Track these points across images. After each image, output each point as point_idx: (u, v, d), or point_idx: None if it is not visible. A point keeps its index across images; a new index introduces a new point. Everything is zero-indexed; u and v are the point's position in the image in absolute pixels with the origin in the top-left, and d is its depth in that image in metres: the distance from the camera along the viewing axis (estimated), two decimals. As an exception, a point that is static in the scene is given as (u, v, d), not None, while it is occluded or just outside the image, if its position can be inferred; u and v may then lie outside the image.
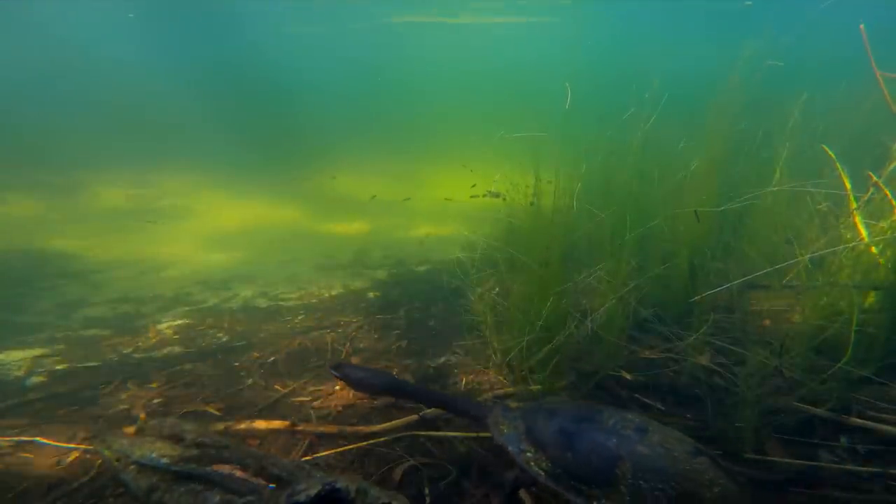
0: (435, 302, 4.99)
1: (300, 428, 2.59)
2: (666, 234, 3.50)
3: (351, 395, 3.00)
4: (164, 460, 1.82)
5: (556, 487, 1.72)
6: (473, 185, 3.57)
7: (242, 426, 2.64)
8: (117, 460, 1.91)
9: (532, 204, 3.20)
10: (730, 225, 3.94)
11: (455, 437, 2.43)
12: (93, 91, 26.23)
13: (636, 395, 2.75)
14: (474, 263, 3.26)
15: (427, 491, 2.04)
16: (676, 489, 1.56)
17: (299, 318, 4.97)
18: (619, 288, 2.89)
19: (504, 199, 3.31)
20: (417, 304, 4.99)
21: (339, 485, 1.53)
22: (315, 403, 2.96)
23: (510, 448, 1.88)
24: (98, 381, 3.54)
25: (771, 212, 3.65)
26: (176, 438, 2.01)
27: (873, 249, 2.78)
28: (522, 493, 1.94)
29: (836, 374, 2.39)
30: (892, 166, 2.88)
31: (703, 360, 2.91)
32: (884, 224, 2.76)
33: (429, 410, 2.59)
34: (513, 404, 2.14)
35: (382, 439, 2.45)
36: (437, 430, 2.51)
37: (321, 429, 2.58)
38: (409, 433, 2.49)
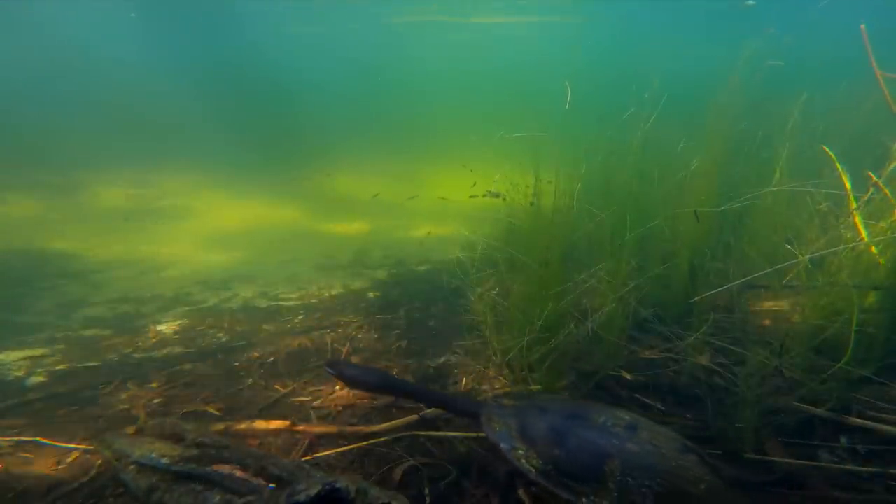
0: (435, 302, 4.99)
1: (300, 428, 2.59)
2: (666, 234, 3.50)
3: (351, 395, 3.00)
4: (164, 460, 1.82)
5: (546, 484, 1.74)
6: (474, 184, 3.57)
7: (242, 426, 2.64)
8: (117, 460, 1.91)
9: (532, 204, 3.19)
10: (730, 225, 3.93)
11: (455, 437, 2.43)
12: (93, 91, 26.23)
13: (636, 395, 2.75)
14: (474, 263, 3.26)
15: (427, 491, 2.04)
16: (663, 486, 1.59)
17: (299, 318, 4.97)
18: (619, 288, 2.89)
19: (504, 199, 3.31)
20: (417, 304, 4.99)
21: (339, 485, 1.53)
22: (315, 403, 2.96)
23: (502, 445, 1.90)
24: (98, 381, 3.54)
25: (771, 212, 3.65)
26: (176, 438, 2.01)
27: (873, 249, 2.78)
28: (522, 493, 1.94)
29: (836, 374, 2.39)
30: (892, 166, 2.88)
31: (703, 360, 2.91)
32: (884, 224, 2.76)
33: (429, 410, 2.59)
34: (506, 402, 2.15)
35: (382, 439, 2.45)
36: (437, 430, 2.51)
37: (321, 429, 2.59)
38: (409, 433, 2.49)
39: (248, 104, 28.35)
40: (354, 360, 3.63)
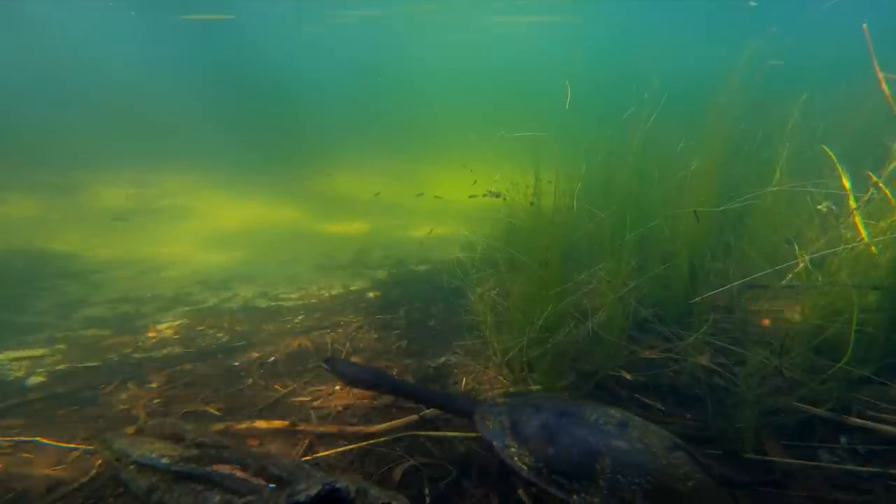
0: (435, 302, 4.99)
1: (300, 428, 2.59)
2: (666, 234, 3.50)
3: (351, 395, 3.00)
4: (164, 460, 1.82)
5: (538, 482, 1.76)
6: (474, 183, 3.57)
7: (242, 426, 2.64)
8: (117, 460, 1.91)
9: (532, 204, 3.20)
10: (730, 225, 3.93)
11: (455, 437, 2.43)
12: (93, 91, 26.22)
13: (636, 395, 2.75)
14: (474, 263, 3.26)
15: (427, 491, 2.04)
16: (652, 483, 1.61)
17: (299, 318, 4.97)
18: (619, 288, 2.89)
19: (504, 199, 3.31)
20: (417, 304, 4.99)
21: (339, 485, 1.53)
22: (315, 403, 2.96)
23: (495, 443, 1.93)
24: (98, 381, 3.54)
25: (771, 212, 3.65)
26: (176, 438, 2.01)
27: (873, 249, 2.78)
28: (522, 493, 1.94)
29: (836, 374, 2.39)
30: (892, 166, 2.88)
31: (703, 360, 2.91)
32: (884, 224, 2.76)
33: (428, 410, 2.59)
34: (500, 400, 2.16)
35: (382, 439, 2.45)
36: (437, 430, 2.51)
37: (321, 429, 2.59)
38: (409, 433, 2.49)
39: (248, 104, 28.36)
40: (354, 359, 3.63)
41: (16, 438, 2.66)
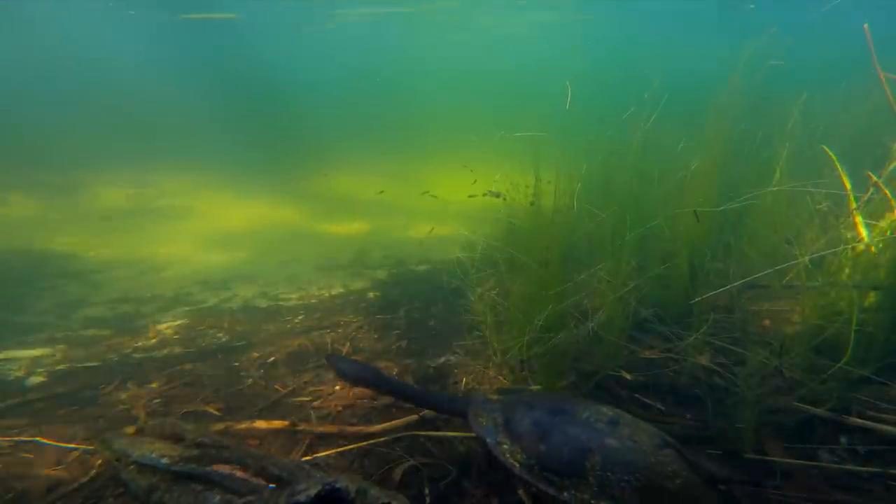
0: (435, 302, 4.99)
1: (300, 428, 2.59)
2: (666, 234, 3.50)
3: (351, 394, 3.00)
4: (164, 460, 1.82)
5: (529, 478, 1.79)
6: (474, 182, 3.57)
7: (242, 426, 2.64)
8: (117, 460, 1.91)
9: (532, 204, 3.19)
10: (730, 225, 3.93)
11: (455, 437, 2.43)
12: (93, 91, 26.24)
13: (636, 395, 2.75)
14: (474, 263, 3.26)
15: (427, 491, 2.04)
16: (640, 481, 1.65)
17: (299, 318, 4.97)
18: (619, 288, 2.89)
19: (504, 199, 3.31)
20: (417, 304, 4.99)
21: (339, 485, 1.53)
22: (315, 403, 2.96)
23: (487, 440, 1.96)
24: (98, 381, 3.54)
25: (771, 212, 3.65)
26: (176, 438, 2.01)
27: (873, 249, 2.78)
28: (522, 493, 1.94)
29: (836, 374, 2.39)
30: (892, 166, 2.88)
31: (703, 360, 2.91)
32: (884, 224, 2.76)
33: (428, 410, 2.59)
34: (494, 397, 2.17)
35: (382, 439, 2.45)
36: (437, 430, 2.52)
37: (321, 429, 2.59)
38: (409, 433, 2.49)
39: (248, 104, 28.37)
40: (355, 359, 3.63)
41: (16, 438, 2.66)
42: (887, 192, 2.78)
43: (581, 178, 3.15)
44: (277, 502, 1.53)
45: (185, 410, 2.94)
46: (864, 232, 2.84)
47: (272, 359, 3.75)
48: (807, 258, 2.66)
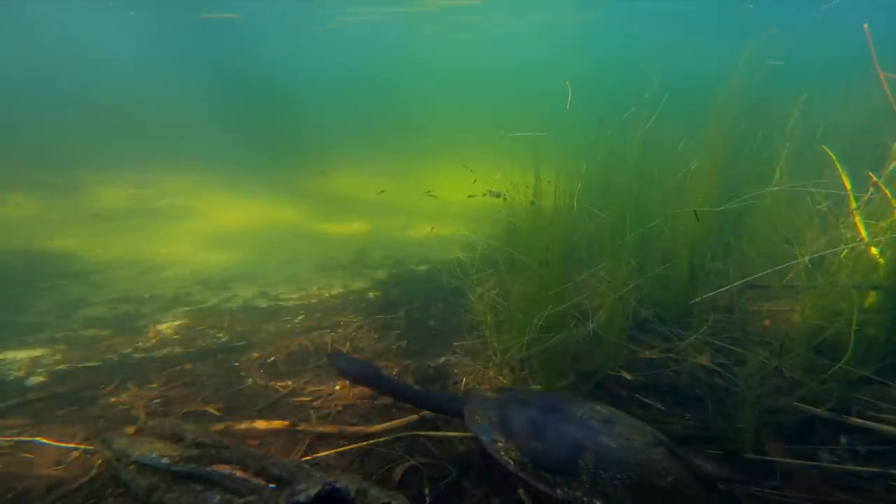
0: (435, 302, 4.99)
1: (300, 428, 2.59)
2: (666, 234, 3.50)
3: (351, 394, 3.00)
4: (164, 460, 1.82)
5: (523, 476, 1.80)
6: (474, 181, 3.57)
7: (242, 426, 2.64)
8: (117, 460, 1.91)
9: (532, 204, 3.19)
10: (730, 225, 3.93)
11: (455, 437, 2.43)
12: (93, 91, 26.24)
13: (636, 395, 2.75)
14: (474, 263, 3.26)
15: (427, 491, 2.04)
16: (632, 478, 1.67)
17: (299, 318, 4.97)
18: (619, 288, 2.89)
19: (504, 199, 3.31)
20: (417, 304, 4.99)
21: (339, 485, 1.53)
22: (315, 403, 2.96)
23: (482, 438, 1.97)
24: (98, 381, 3.54)
25: (771, 212, 3.65)
26: (176, 438, 2.01)
27: (873, 249, 2.78)
28: (522, 493, 1.94)
29: (836, 374, 2.39)
30: (892, 166, 2.88)
31: (703, 360, 2.91)
32: (884, 224, 2.76)
33: (428, 411, 2.59)
34: (490, 395, 2.17)
35: (382, 439, 2.45)
36: (437, 430, 2.52)
37: (321, 429, 2.59)
38: (409, 433, 2.49)
39: (248, 104, 28.37)
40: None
41: (16, 438, 2.66)
42: (887, 192, 2.77)
43: (581, 178, 3.16)
44: (277, 502, 1.53)
45: (185, 410, 2.94)
46: (864, 232, 2.84)
47: (272, 359, 3.75)
48: (807, 258, 2.66)
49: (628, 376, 2.85)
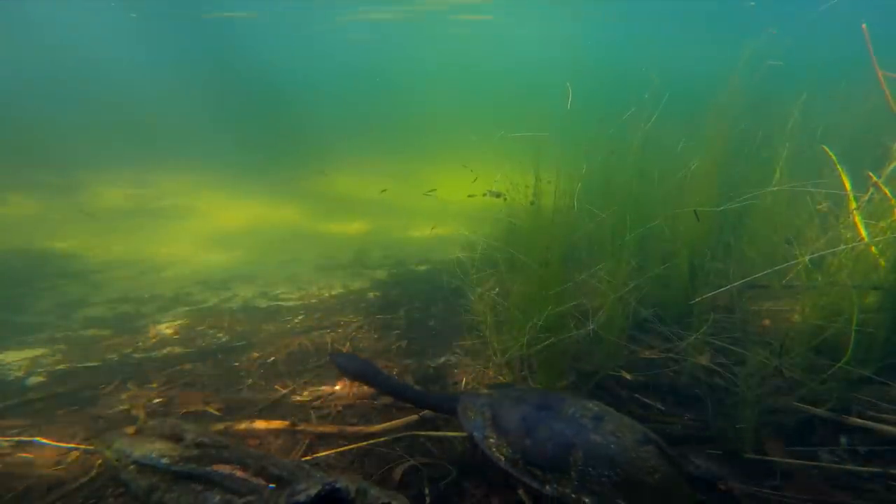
0: (435, 302, 4.99)
1: (300, 428, 2.59)
2: (666, 234, 3.50)
3: (351, 394, 3.00)
4: (164, 460, 1.82)
5: (513, 472, 1.83)
6: (475, 180, 3.57)
7: (242, 426, 2.64)
8: (117, 460, 1.91)
9: (532, 204, 3.19)
10: (730, 225, 3.93)
11: (455, 437, 2.43)
12: (93, 91, 26.24)
13: (636, 395, 2.75)
14: (474, 263, 3.26)
15: (427, 491, 2.04)
16: (620, 475, 1.70)
17: (299, 318, 4.97)
18: (619, 288, 2.89)
19: (504, 199, 3.31)
20: (417, 304, 4.99)
21: (339, 485, 1.53)
22: (315, 403, 2.96)
23: (475, 434, 2.00)
24: (98, 381, 3.54)
25: (771, 212, 3.65)
26: (176, 438, 2.01)
27: (873, 249, 2.78)
28: (522, 493, 1.94)
29: (836, 374, 2.39)
30: (892, 166, 2.88)
31: (703, 360, 2.91)
32: (884, 224, 2.76)
33: (426, 409, 2.59)
34: (484, 391, 2.18)
35: (382, 439, 2.45)
36: (437, 429, 2.52)
37: (321, 429, 2.58)
38: (409, 433, 2.49)
39: (248, 105, 28.38)
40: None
41: (16, 438, 2.66)
42: (887, 191, 2.77)
43: (581, 177, 3.16)
44: (277, 502, 1.53)
45: (185, 410, 2.94)
46: (864, 232, 2.84)
47: (272, 359, 3.75)
48: (807, 258, 2.66)
49: (628, 376, 2.85)
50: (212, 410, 2.92)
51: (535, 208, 3.17)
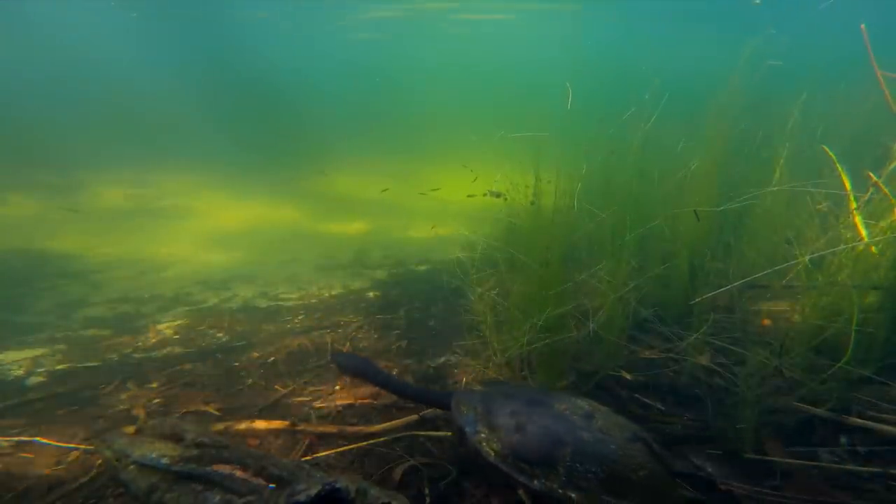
0: (435, 302, 4.99)
1: (300, 428, 2.59)
2: (666, 234, 3.50)
3: (351, 394, 3.00)
4: (164, 460, 1.82)
5: (502, 467, 1.85)
6: (475, 180, 3.57)
7: (242, 426, 2.64)
8: (117, 460, 1.91)
9: (532, 203, 3.19)
10: (730, 225, 3.93)
11: (455, 437, 2.43)
12: (93, 91, 26.24)
13: (636, 395, 2.75)
14: (474, 263, 3.26)
15: (427, 491, 2.04)
16: (606, 472, 1.74)
17: (299, 318, 4.97)
18: (620, 288, 2.89)
19: (504, 199, 3.31)
20: (417, 304, 4.99)
21: (339, 485, 1.53)
22: (315, 403, 2.96)
23: (466, 429, 2.02)
24: (98, 381, 3.54)
25: (771, 212, 3.65)
26: (176, 438, 2.01)
27: (873, 249, 2.78)
28: (522, 493, 1.94)
29: (836, 374, 2.39)
30: (892, 166, 2.88)
31: (703, 360, 2.91)
32: (884, 224, 2.75)
33: (428, 410, 2.60)
34: (477, 387, 2.20)
35: (382, 439, 2.45)
36: (437, 429, 2.51)
37: (321, 429, 2.59)
38: (409, 433, 2.49)
39: (248, 105, 28.36)
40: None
41: (16, 438, 2.66)
42: (887, 191, 2.77)
43: (581, 177, 3.16)
44: (277, 502, 1.53)
45: (185, 410, 2.94)
46: (864, 232, 2.84)
47: (272, 359, 3.75)
48: (807, 258, 2.66)
49: (628, 376, 2.85)
50: (212, 410, 2.92)
51: (535, 208, 3.17)
